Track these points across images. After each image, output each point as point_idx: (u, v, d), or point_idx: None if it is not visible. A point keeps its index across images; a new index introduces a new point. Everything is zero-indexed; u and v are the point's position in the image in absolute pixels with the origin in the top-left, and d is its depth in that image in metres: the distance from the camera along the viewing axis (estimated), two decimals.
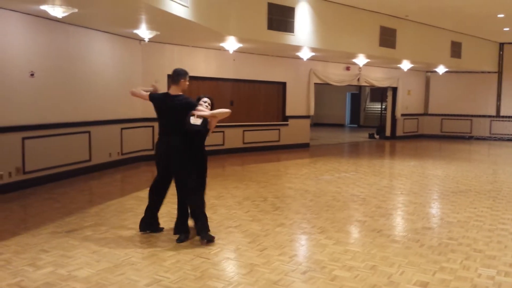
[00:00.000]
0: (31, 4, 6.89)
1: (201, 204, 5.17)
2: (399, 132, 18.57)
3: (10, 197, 7.17)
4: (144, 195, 7.46)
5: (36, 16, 7.73)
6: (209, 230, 5.09)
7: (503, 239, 5.35)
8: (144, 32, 9.10)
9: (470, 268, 4.40)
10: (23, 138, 7.69)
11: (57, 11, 6.82)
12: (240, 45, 11.05)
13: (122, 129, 10.28)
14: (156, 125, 12.00)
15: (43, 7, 6.81)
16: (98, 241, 5.07)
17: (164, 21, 8.24)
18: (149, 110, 11.62)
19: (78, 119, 9.02)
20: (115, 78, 10.12)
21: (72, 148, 8.89)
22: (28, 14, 7.60)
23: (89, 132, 9.31)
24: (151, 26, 8.78)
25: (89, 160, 9.37)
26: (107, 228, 5.56)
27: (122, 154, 10.42)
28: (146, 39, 9.56)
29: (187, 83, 5.18)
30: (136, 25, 8.67)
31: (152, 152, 11.18)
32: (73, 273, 4.15)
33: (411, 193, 8.05)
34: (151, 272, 4.21)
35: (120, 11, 7.71)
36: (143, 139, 11.06)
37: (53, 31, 8.27)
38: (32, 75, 7.84)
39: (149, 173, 10.04)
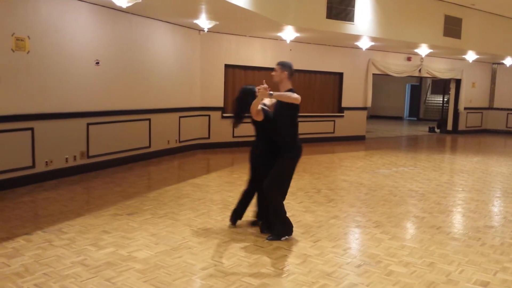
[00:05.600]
0: None
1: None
2: (461, 127, 17.83)
3: (75, 179, 7.55)
4: (200, 182, 7.67)
5: (102, 6, 8.03)
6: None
7: None
8: (203, 22, 9.22)
9: None
10: (88, 124, 8.05)
11: (122, 1, 6.97)
12: (298, 34, 10.96)
13: (180, 117, 10.52)
14: (212, 113, 12.10)
15: None
16: (157, 224, 5.24)
17: (224, 11, 8.32)
18: (207, 99, 11.82)
19: (140, 106, 9.32)
20: (175, 67, 10.35)
21: (133, 134, 9.21)
22: (94, 4, 7.90)
23: (149, 119, 9.61)
24: (211, 16, 8.89)
25: (149, 146, 9.68)
26: (165, 212, 5.74)
27: (180, 141, 10.67)
28: (205, 29, 9.70)
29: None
30: (196, 15, 8.80)
31: (209, 140, 11.45)
32: (133, 254, 4.32)
33: (473, 190, 7.72)
34: (206, 257, 4.30)
35: (181, 1, 7.84)
36: (200, 128, 11.28)
37: (117, 21, 8.55)
38: (97, 63, 8.17)
39: (205, 160, 10.26)
